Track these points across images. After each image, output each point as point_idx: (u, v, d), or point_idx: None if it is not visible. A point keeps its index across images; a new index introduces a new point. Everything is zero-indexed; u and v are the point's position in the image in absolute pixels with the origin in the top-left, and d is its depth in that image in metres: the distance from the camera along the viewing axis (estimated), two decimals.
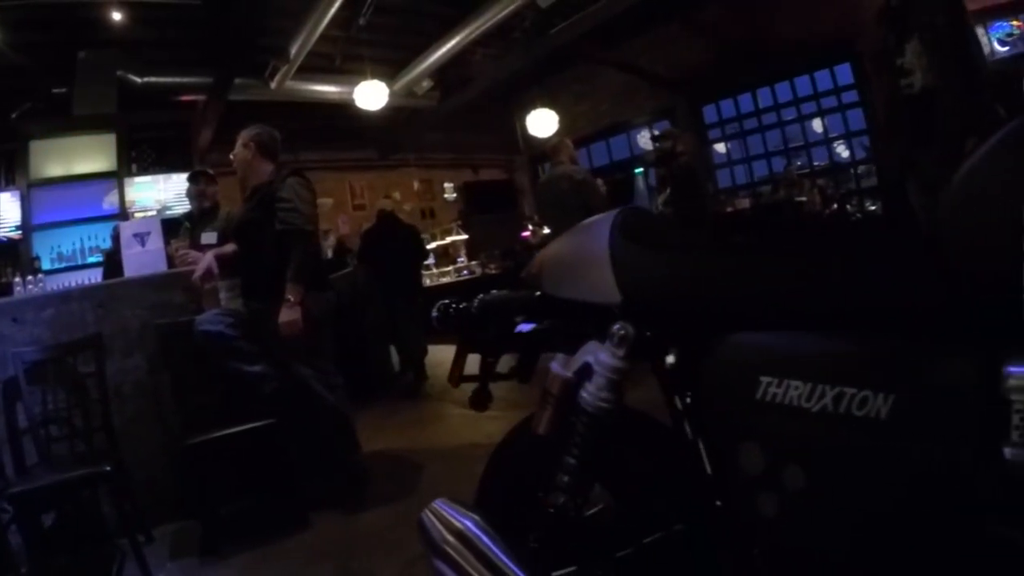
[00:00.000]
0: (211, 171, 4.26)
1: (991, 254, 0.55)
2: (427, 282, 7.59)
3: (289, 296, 2.65)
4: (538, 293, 1.07)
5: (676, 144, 4.74)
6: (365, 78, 7.38)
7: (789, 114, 7.90)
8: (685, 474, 0.80)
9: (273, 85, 7.57)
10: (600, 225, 0.97)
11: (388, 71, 7.98)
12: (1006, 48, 9.07)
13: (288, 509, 2.79)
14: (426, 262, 7.29)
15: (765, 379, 0.68)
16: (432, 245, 8.71)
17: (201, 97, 7.37)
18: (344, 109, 8.01)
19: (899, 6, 2.97)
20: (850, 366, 0.63)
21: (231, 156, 3.19)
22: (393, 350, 5.74)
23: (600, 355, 0.88)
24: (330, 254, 6.37)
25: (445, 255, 9.43)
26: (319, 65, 7.65)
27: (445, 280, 8.46)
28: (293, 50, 6.98)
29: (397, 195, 9.80)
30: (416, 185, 10.74)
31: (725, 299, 0.78)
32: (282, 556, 2.53)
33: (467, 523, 0.99)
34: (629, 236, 0.90)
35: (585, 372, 0.90)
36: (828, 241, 0.72)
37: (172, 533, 2.85)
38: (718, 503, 0.76)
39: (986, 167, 0.57)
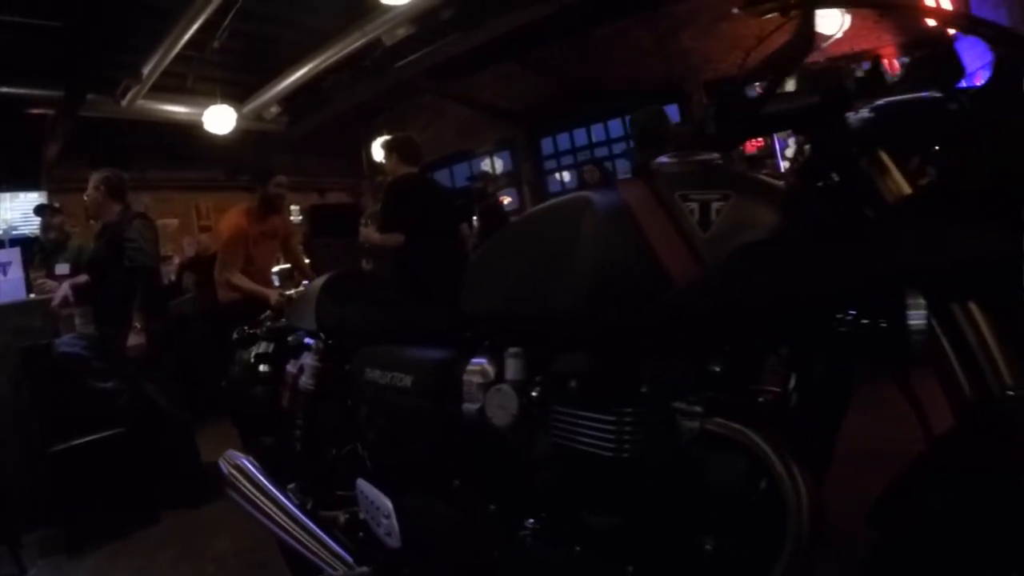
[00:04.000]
0: (56, 204, 4.75)
1: (487, 304, 1.28)
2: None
3: (136, 323, 3.34)
4: (283, 321, 1.89)
5: (487, 185, 5.74)
6: (215, 100, 7.78)
7: (619, 148, 9.07)
8: (346, 421, 1.62)
9: (124, 103, 7.77)
10: (319, 282, 1.79)
11: (238, 94, 8.39)
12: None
13: (140, 507, 3.39)
14: None
15: (368, 370, 1.50)
16: (276, 268, 9.05)
17: (50, 111, 7.51)
18: (193, 129, 8.30)
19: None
20: (397, 361, 1.45)
21: (84, 197, 3.77)
22: None
23: (307, 359, 1.70)
24: (172, 278, 6.75)
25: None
26: (171, 85, 7.92)
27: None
28: (147, 69, 7.25)
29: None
30: None
31: (363, 329, 1.61)
32: (137, 545, 3.14)
33: (243, 461, 1.79)
34: (325, 290, 1.73)
35: (302, 370, 1.72)
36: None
37: (39, 538, 3.30)
38: (355, 423, 1.58)
39: (482, 257, 1.34)
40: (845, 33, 9.09)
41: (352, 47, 7.28)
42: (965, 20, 1.11)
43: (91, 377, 3.33)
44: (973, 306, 0.83)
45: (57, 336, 3.46)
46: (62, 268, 4.04)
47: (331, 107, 8.99)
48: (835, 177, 0.96)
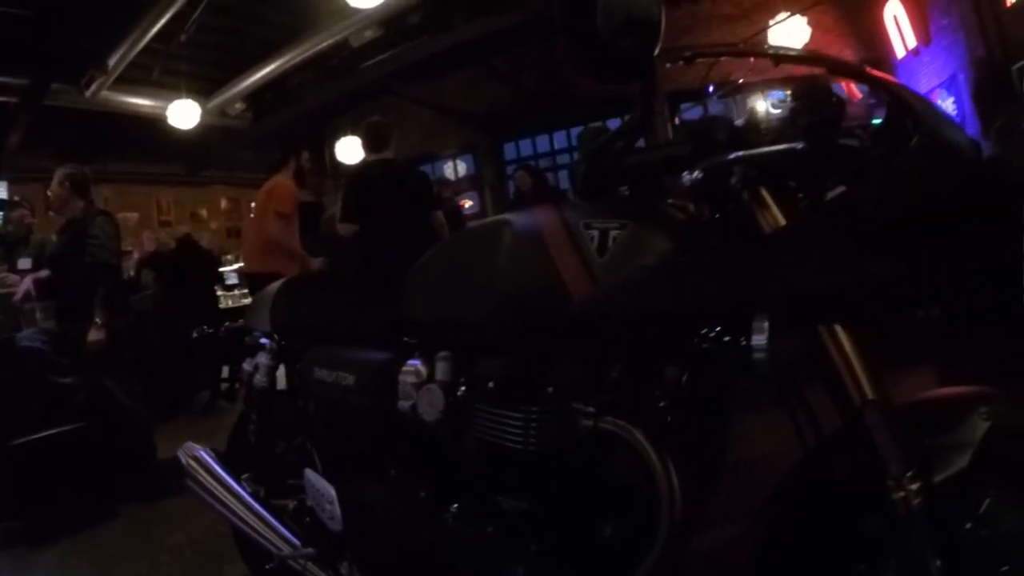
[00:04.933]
0: (17, 198, 4.82)
1: (422, 312, 1.45)
2: (229, 303, 7.88)
3: (97, 319, 3.44)
4: (241, 322, 2.04)
5: (443, 190, 5.94)
6: (180, 93, 7.82)
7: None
8: (296, 416, 1.78)
9: (89, 94, 7.79)
10: (275, 286, 1.94)
11: (204, 88, 8.44)
12: (778, 112, 11.13)
13: (99, 501, 3.49)
14: (230, 283, 7.93)
15: (316, 369, 1.66)
16: (235, 267, 8.90)
17: (12, 99, 7.52)
18: (155, 122, 8.29)
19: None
20: (341, 361, 1.61)
21: (48, 192, 3.87)
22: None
23: (261, 358, 1.85)
24: (132, 273, 6.81)
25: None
26: (136, 77, 7.95)
27: (247, 302, 8.47)
28: (113, 60, 7.29)
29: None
30: (224, 203, 11.05)
31: (312, 331, 1.77)
32: (95, 539, 3.23)
33: (200, 452, 1.93)
34: (280, 293, 1.89)
35: (257, 368, 1.87)
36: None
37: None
38: (304, 418, 1.74)
39: (419, 269, 1.49)
40: (806, 46, 9.43)
41: (319, 47, 7.41)
42: (858, 72, 1.25)
43: (52, 372, 3.43)
44: (838, 328, 0.98)
45: (19, 331, 3.56)
46: (24, 263, 4.13)
47: (296, 105, 9.04)
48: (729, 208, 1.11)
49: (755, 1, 9.98)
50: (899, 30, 9.99)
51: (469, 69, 9.49)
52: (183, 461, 1.95)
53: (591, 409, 1.07)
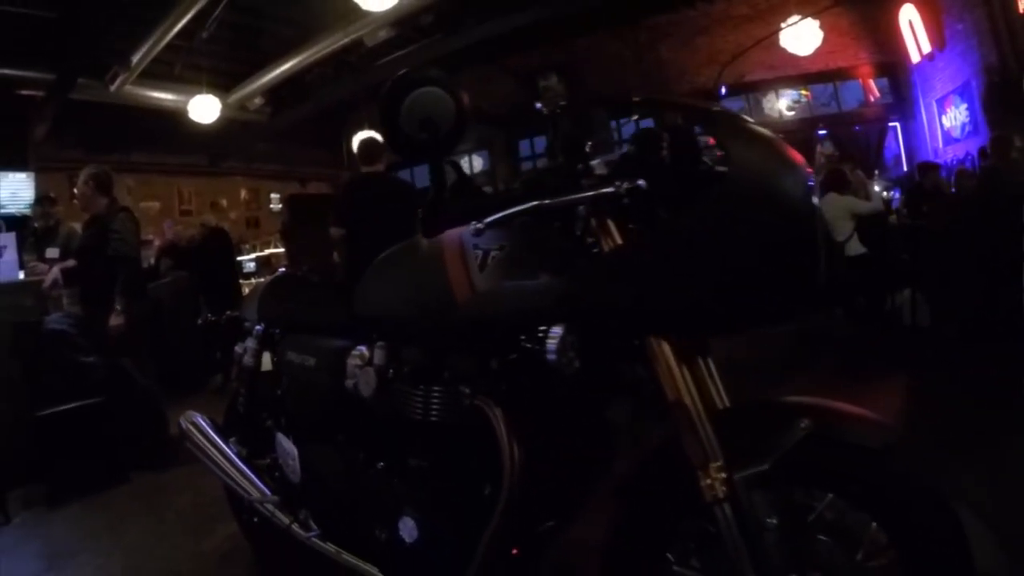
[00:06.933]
0: (52, 195, 5.36)
1: (366, 309, 1.88)
2: (247, 291, 8.37)
3: (117, 306, 3.95)
4: (229, 313, 2.50)
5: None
6: (201, 88, 8.32)
7: None
8: (274, 391, 2.23)
9: (113, 88, 8.30)
10: (265, 282, 2.40)
11: (224, 83, 8.94)
12: (792, 112, 11.43)
13: (113, 469, 3.96)
14: (247, 271, 8.42)
15: (289, 352, 2.09)
16: (253, 256, 9.47)
17: (39, 93, 8.01)
18: (177, 115, 8.80)
19: None
20: (307, 346, 2.04)
21: (74, 190, 4.37)
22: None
23: (249, 343, 2.30)
24: (152, 261, 7.20)
25: (267, 264, 10.26)
26: (158, 72, 8.46)
27: None
28: (137, 56, 7.76)
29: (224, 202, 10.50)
30: (243, 194, 11.56)
31: (290, 320, 2.21)
32: (109, 500, 3.70)
33: (197, 419, 2.40)
34: (268, 288, 2.34)
35: (245, 351, 2.32)
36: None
37: (23, 493, 3.82)
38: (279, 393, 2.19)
39: (379, 269, 1.91)
40: (818, 51, 9.73)
41: (335, 46, 7.84)
42: (695, 113, 1.42)
43: (75, 352, 3.94)
44: (656, 339, 1.22)
45: (46, 314, 4.10)
46: (52, 252, 4.65)
47: (314, 100, 9.49)
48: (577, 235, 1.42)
49: (771, 2, 10.26)
50: (914, 35, 10.23)
51: (483, 67, 9.90)
52: (183, 426, 2.42)
53: (468, 391, 1.47)
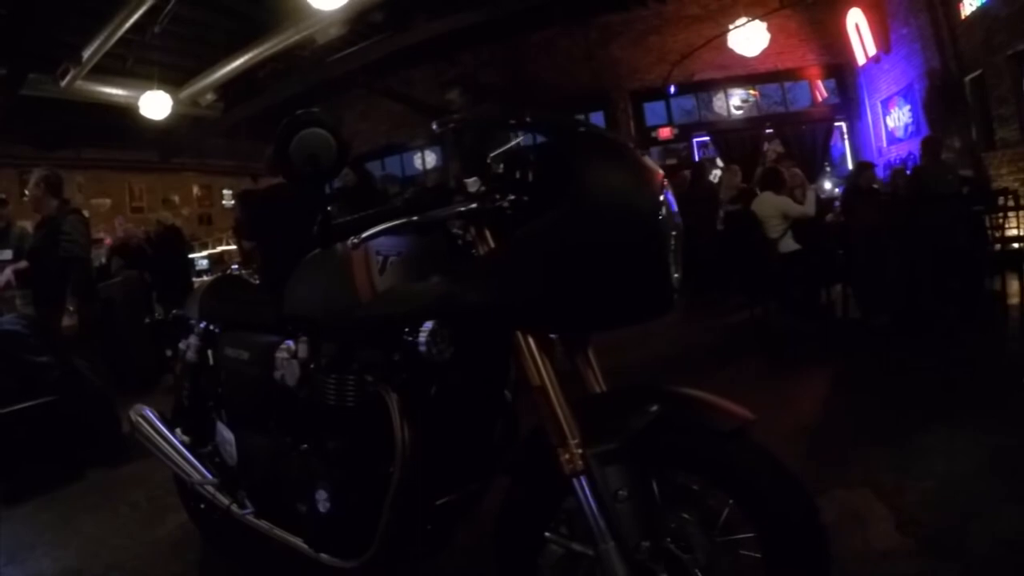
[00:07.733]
0: (3, 196, 5.46)
1: (292, 308, 2.10)
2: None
3: (69, 306, 4.12)
4: (175, 312, 2.71)
5: (388, 188, 6.61)
6: (152, 83, 8.40)
7: None
8: (214, 385, 2.44)
9: (63, 84, 8.35)
10: (207, 282, 2.61)
11: (176, 78, 9.02)
12: (740, 111, 11.81)
13: (67, 466, 4.09)
14: (200, 268, 8.50)
15: (226, 347, 2.31)
16: (206, 253, 9.55)
17: None
18: (128, 111, 8.84)
19: None
20: (242, 342, 2.25)
21: (25, 191, 4.52)
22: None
23: (192, 339, 2.52)
24: (103, 260, 7.27)
25: (220, 262, 10.31)
26: (109, 67, 8.52)
27: None
28: (88, 51, 7.81)
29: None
30: (196, 190, 11.69)
31: (227, 318, 2.43)
32: (63, 497, 3.83)
33: (146, 411, 2.61)
34: (208, 288, 2.56)
35: (188, 346, 2.53)
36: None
37: None
38: (218, 385, 2.41)
39: (303, 272, 2.13)
40: (767, 52, 10.11)
41: (287, 42, 7.97)
42: (548, 128, 1.53)
43: (28, 352, 4.09)
44: (521, 333, 1.39)
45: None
46: (4, 254, 4.77)
47: (266, 96, 9.60)
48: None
49: (721, 3, 10.61)
50: (860, 38, 10.71)
51: (436, 64, 10.11)
52: (132, 418, 2.63)
53: (371, 379, 1.70)
